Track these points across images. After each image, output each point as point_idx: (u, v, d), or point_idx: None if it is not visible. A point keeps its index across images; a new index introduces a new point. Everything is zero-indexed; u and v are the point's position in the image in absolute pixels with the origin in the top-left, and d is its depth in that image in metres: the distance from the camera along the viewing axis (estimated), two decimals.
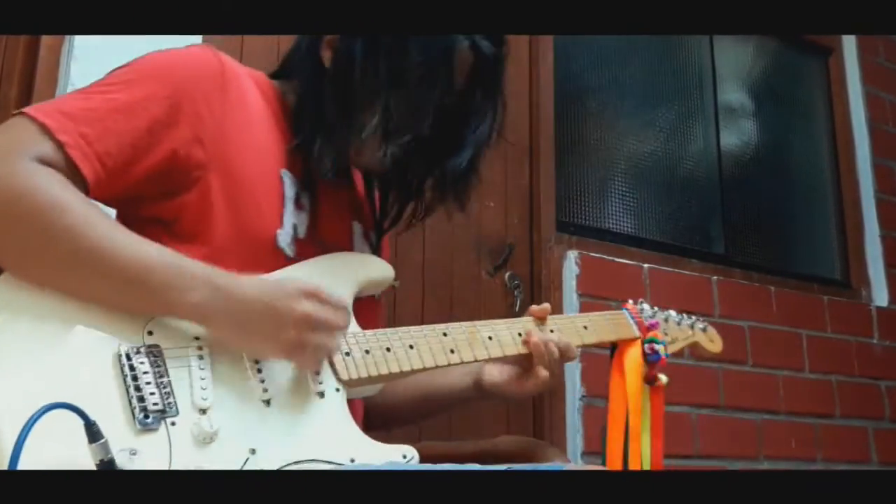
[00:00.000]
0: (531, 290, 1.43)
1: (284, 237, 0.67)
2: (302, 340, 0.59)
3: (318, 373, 0.64)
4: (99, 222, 0.56)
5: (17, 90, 1.01)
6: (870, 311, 1.90)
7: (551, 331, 0.79)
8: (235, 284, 0.59)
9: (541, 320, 0.78)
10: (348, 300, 0.68)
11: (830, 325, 1.80)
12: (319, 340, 0.60)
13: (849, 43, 2.10)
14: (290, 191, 0.69)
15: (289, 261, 0.68)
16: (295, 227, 0.69)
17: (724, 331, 1.66)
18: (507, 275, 1.40)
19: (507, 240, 1.42)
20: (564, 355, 0.77)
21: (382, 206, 0.81)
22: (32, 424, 0.45)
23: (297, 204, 0.69)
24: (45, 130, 0.57)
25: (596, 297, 1.47)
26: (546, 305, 0.80)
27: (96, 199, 0.62)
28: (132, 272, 0.56)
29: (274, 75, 0.76)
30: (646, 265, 1.57)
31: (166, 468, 0.53)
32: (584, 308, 1.45)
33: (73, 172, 0.58)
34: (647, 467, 0.80)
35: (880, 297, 1.94)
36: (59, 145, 0.57)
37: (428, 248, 1.33)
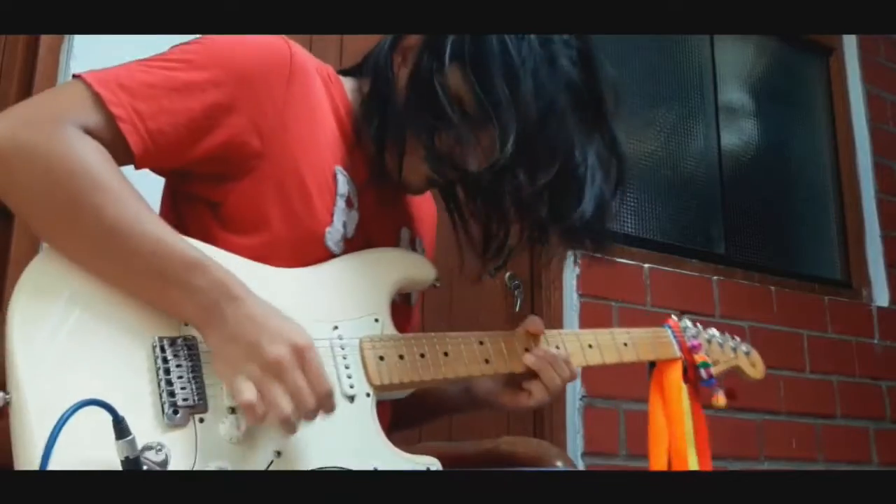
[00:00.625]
0: (531, 290, 1.43)
1: (333, 235, 0.66)
2: (262, 385, 0.53)
3: (350, 376, 0.62)
4: (129, 205, 0.54)
5: (16, 88, 1.01)
6: (870, 311, 1.90)
7: (556, 347, 0.74)
8: (242, 301, 0.56)
9: (535, 337, 0.73)
10: (335, 387, 0.60)
11: (831, 325, 1.80)
12: (277, 398, 0.53)
13: (849, 42, 2.10)
14: (343, 188, 0.67)
15: (333, 257, 0.66)
16: (345, 225, 0.67)
17: (725, 330, 1.66)
18: (507, 275, 1.40)
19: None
20: (570, 377, 0.72)
21: (487, 235, 0.75)
22: (64, 422, 0.44)
23: (349, 203, 0.67)
24: (99, 100, 0.56)
25: (596, 297, 1.47)
26: (537, 321, 0.74)
27: (150, 168, 0.61)
28: (152, 259, 0.54)
29: (345, 71, 0.74)
30: (646, 265, 1.57)
31: (191, 466, 0.52)
32: (584, 309, 1.45)
33: (121, 145, 0.57)
34: None
35: (881, 297, 1.94)
36: (111, 117, 0.56)
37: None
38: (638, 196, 1.71)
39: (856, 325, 1.85)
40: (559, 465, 0.85)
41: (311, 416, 0.55)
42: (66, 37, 1.04)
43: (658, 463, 0.78)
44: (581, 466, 1.35)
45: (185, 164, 0.62)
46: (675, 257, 1.65)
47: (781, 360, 1.69)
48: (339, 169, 0.67)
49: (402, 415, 0.75)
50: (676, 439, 0.78)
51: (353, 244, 0.68)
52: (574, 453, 1.35)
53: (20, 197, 0.55)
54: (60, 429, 0.44)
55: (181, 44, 0.63)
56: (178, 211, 0.66)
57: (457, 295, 1.35)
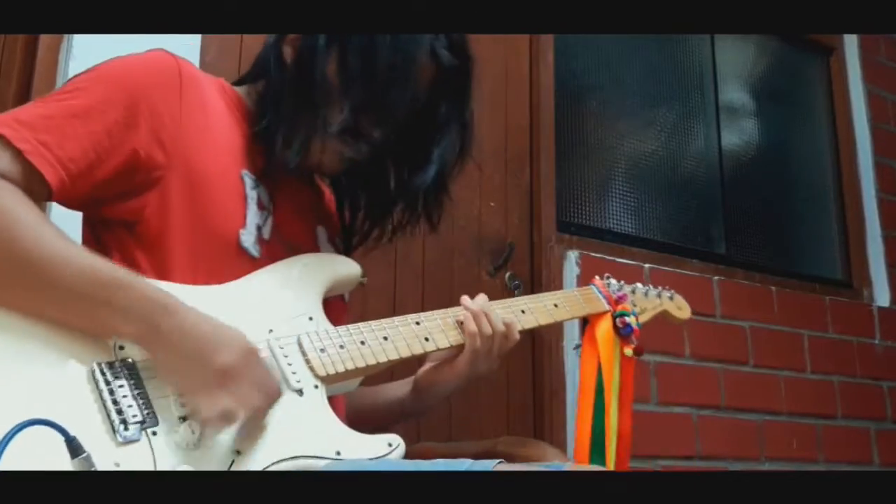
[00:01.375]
0: (532, 290, 1.43)
1: (248, 237, 0.67)
2: (214, 396, 0.56)
3: (294, 371, 0.63)
4: (43, 235, 0.55)
5: (15, 88, 1.01)
6: (871, 312, 1.89)
7: (461, 322, 0.76)
8: (177, 316, 0.57)
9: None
10: (283, 387, 0.62)
11: (832, 325, 1.80)
12: (230, 406, 0.56)
13: (850, 42, 2.10)
14: (251, 191, 0.69)
15: (254, 261, 0.68)
16: (259, 228, 0.68)
17: (726, 331, 1.66)
18: (507, 275, 1.40)
19: (507, 240, 1.42)
20: (507, 333, 0.73)
21: (352, 222, 0.80)
22: (6, 444, 0.44)
23: (259, 204, 0.69)
24: (3, 140, 0.57)
25: None
26: (481, 295, 0.76)
27: (60, 203, 0.62)
28: (78, 287, 0.55)
29: (237, 82, 0.76)
30: (647, 265, 1.56)
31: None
32: None
33: (35, 180, 0.58)
34: (614, 440, 0.81)
35: (882, 297, 1.94)
36: (18, 153, 0.57)
37: (428, 249, 1.33)
38: (638, 196, 1.71)
39: (857, 326, 1.84)
40: (559, 465, 0.85)
41: (261, 414, 0.58)
42: (66, 36, 1.03)
43: (583, 413, 0.82)
44: (581, 466, 1.34)
45: (97, 188, 0.63)
46: (676, 257, 1.65)
47: (782, 361, 1.69)
48: (244, 173, 0.69)
49: (363, 420, 0.75)
50: (606, 386, 0.81)
51: (270, 245, 0.69)
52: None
53: None
54: (2, 450, 0.43)
55: (73, 76, 0.65)
56: (99, 239, 0.67)
57: (457, 295, 1.34)
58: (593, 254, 1.49)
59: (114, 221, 0.65)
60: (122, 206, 0.64)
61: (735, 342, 1.64)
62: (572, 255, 1.46)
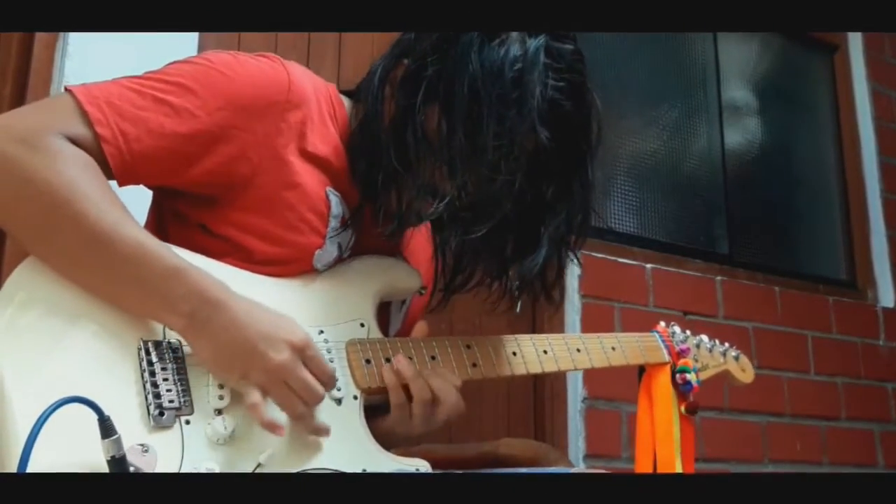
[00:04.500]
0: (532, 290, 1.42)
1: (324, 257, 0.66)
2: (269, 388, 0.56)
3: (336, 378, 0.62)
4: (108, 214, 0.54)
5: (10, 88, 1.01)
6: (876, 312, 1.88)
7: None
8: (232, 306, 0.56)
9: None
10: (337, 368, 0.61)
11: (836, 326, 1.79)
12: (287, 397, 0.56)
13: (854, 40, 2.09)
14: (336, 209, 0.66)
15: None
16: (339, 247, 0.67)
17: (729, 332, 1.65)
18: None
19: None
20: (435, 401, 0.64)
21: (454, 272, 0.74)
22: (46, 419, 0.44)
23: (342, 222, 0.67)
24: (87, 118, 0.56)
25: (598, 297, 1.46)
26: (422, 325, 0.72)
27: (125, 186, 0.60)
28: (129, 268, 0.54)
29: (347, 92, 0.72)
30: (649, 265, 1.55)
31: (177, 467, 0.53)
32: (585, 309, 1.44)
33: (103, 162, 0.57)
34: None
35: (886, 298, 1.93)
36: (96, 137, 0.56)
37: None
38: (640, 195, 1.70)
39: (861, 326, 1.83)
40: (560, 467, 0.84)
41: (319, 402, 0.57)
42: (61, 35, 1.03)
43: (643, 468, 0.78)
44: (583, 469, 1.33)
45: (168, 186, 0.62)
46: (678, 257, 1.64)
47: (785, 362, 1.68)
48: (330, 190, 0.67)
49: None
50: (663, 444, 0.78)
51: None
52: (576, 456, 1.34)
53: (1, 206, 0.55)
54: (41, 426, 0.44)
55: (177, 62, 0.63)
56: (164, 227, 0.66)
57: (458, 297, 1.34)
58: (595, 254, 1.48)
59: (185, 216, 0.64)
60: (197, 208, 0.63)
61: (738, 343, 1.61)
62: (573, 256, 1.45)
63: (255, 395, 0.55)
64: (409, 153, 0.62)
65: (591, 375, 1.39)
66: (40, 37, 1.02)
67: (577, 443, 1.35)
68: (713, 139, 1.83)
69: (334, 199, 0.67)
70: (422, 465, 0.62)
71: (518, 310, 0.71)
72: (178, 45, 0.95)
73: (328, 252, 0.66)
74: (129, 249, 0.55)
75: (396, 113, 0.64)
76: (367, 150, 0.66)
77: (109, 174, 0.58)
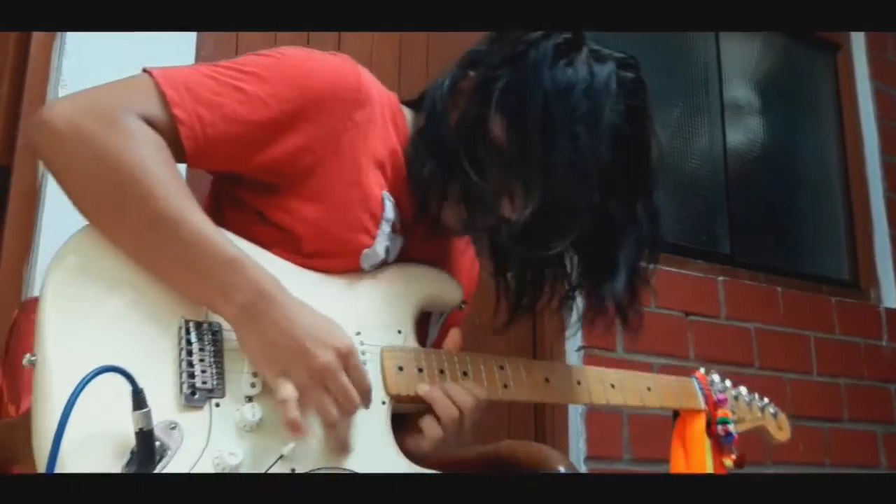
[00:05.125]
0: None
1: (371, 258, 0.66)
2: (307, 388, 0.56)
3: (372, 393, 0.61)
4: (174, 197, 0.56)
5: (7, 86, 1.01)
6: (879, 313, 1.87)
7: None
8: (283, 302, 0.57)
9: (453, 346, 0.70)
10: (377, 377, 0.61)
11: (839, 326, 1.78)
12: (323, 400, 0.56)
13: (857, 39, 2.08)
14: (389, 214, 0.67)
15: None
16: (387, 250, 0.67)
17: (731, 332, 1.64)
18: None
19: None
20: (471, 407, 0.64)
21: (519, 292, 0.73)
22: (84, 385, 0.45)
23: (394, 228, 0.68)
24: (164, 99, 0.58)
25: None
26: (454, 333, 0.70)
27: (193, 167, 0.62)
28: (190, 253, 0.56)
29: (406, 102, 0.73)
30: (650, 265, 1.55)
31: (202, 448, 0.53)
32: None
33: (175, 143, 0.58)
34: None
35: (889, 298, 1.92)
36: (172, 118, 0.58)
37: None
38: None
39: (864, 327, 1.82)
40: (561, 469, 0.84)
41: (351, 414, 0.58)
42: (59, 34, 1.03)
43: None
44: (584, 471, 1.33)
45: (234, 172, 0.63)
46: (680, 257, 1.64)
47: (788, 363, 1.67)
48: (386, 194, 0.67)
49: None
50: None
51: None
52: (577, 458, 1.33)
53: (71, 178, 0.56)
54: (80, 391, 0.45)
55: (253, 54, 0.64)
56: (221, 211, 0.67)
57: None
58: None
59: (243, 202, 0.65)
60: (256, 195, 0.64)
61: (740, 344, 1.63)
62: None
63: (288, 390, 0.56)
64: (479, 161, 0.62)
65: None
66: (37, 36, 1.02)
67: (577, 444, 1.35)
68: (715, 138, 1.82)
69: (389, 204, 0.67)
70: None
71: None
72: (176, 45, 0.95)
73: (375, 254, 0.66)
74: (192, 233, 0.56)
75: (464, 121, 0.64)
76: (430, 154, 0.65)
77: (181, 156, 0.59)
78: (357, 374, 0.58)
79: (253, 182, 0.64)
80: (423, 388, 0.64)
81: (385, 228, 0.67)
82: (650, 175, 0.68)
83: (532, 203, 0.60)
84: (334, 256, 0.65)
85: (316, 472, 0.57)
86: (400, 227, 0.68)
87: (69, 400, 0.45)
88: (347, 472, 0.58)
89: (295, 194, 0.63)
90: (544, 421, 1.35)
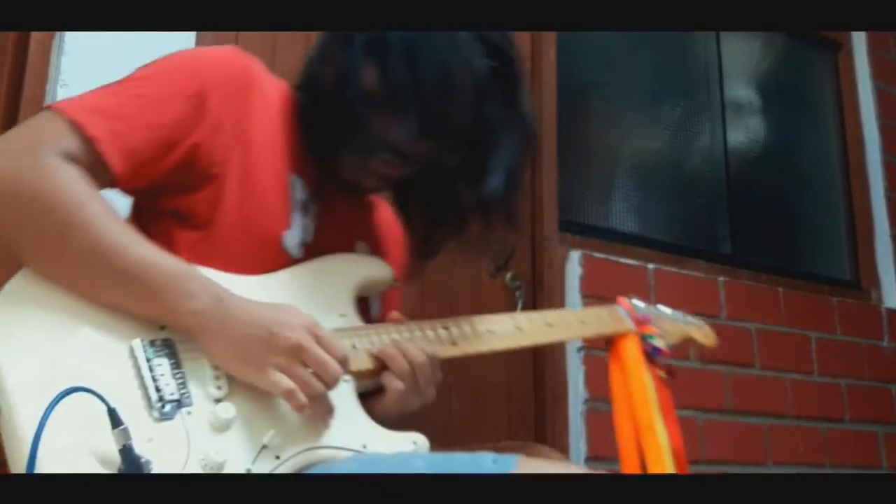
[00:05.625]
0: (533, 291, 1.42)
1: (291, 238, 0.68)
2: (289, 369, 0.58)
3: (348, 358, 0.64)
4: (113, 222, 0.58)
5: (6, 86, 1.00)
6: (880, 313, 1.87)
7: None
8: (237, 300, 0.59)
9: (398, 322, 0.73)
10: (348, 348, 0.65)
11: (840, 326, 1.78)
12: (305, 376, 0.58)
13: (859, 39, 2.08)
14: (298, 195, 0.69)
15: (294, 263, 0.69)
16: (304, 230, 0.69)
17: (732, 333, 1.64)
18: (508, 276, 1.39)
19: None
20: (419, 369, 0.67)
21: (427, 235, 0.78)
22: (53, 407, 0.46)
23: (304, 209, 0.70)
24: (75, 126, 0.59)
25: (599, 298, 1.45)
26: (395, 313, 0.74)
27: (122, 190, 0.64)
28: (139, 272, 0.57)
29: (296, 88, 0.76)
30: (651, 265, 1.55)
31: (185, 455, 0.54)
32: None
33: (101, 167, 0.59)
34: (668, 456, 0.77)
35: (891, 299, 1.92)
36: (90, 141, 0.59)
37: None
38: (642, 195, 1.69)
39: (865, 327, 1.82)
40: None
41: (336, 383, 0.59)
42: (58, 33, 1.03)
43: (624, 435, 0.79)
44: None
45: (157, 179, 0.64)
46: (680, 257, 1.63)
47: (789, 363, 1.67)
48: (293, 176, 0.70)
49: None
50: (641, 409, 0.79)
51: (312, 250, 0.70)
52: (577, 458, 1.33)
53: (6, 223, 0.57)
54: (48, 415, 0.45)
55: (143, 65, 0.66)
56: (145, 227, 0.68)
57: (458, 297, 1.33)
58: (596, 254, 1.48)
59: (165, 212, 0.66)
60: (179, 198, 0.65)
61: (741, 344, 1.62)
62: (575, 256, 1.44)
63: (286, 381, 0.57)
64: (356, 110, 0.66)
65: (592, 377, 1.39)
66: (36, 36, 1.02)
67: (578, 445, 1.34)
68: (716, 138, 1.82)
69: (297, 185, 0.69)
70: (418, 438, 0.64)
71: (496, 273, 0.74)
72: (175, 45, 0.94)
73: (294, 234, 0.68)
74: (140, 253, 0.57)
75: (340, 76, 0.67)
76: (319, 117, 0.69)
77: (108, 180, 0.61)
78: (328, 344, 0.59)
79: (171, 186, 0.65)
80: (376, 349, 0.67)
81: (298, 210, 0.69)
82: (518, 84, 0.71)
83: (412, 128, 0.64)
84: (258, 246, 0.66)
85: (302, 451, 0.58)
86: (312, 208, 0.70)
87: (40, 422, 0.45)
88: (330, 448, 0.59)
89: (213, 188, 0.65)
90: (544, 421, 1.35)
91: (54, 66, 1.00)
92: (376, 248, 0.80)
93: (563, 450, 1.29)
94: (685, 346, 1.55)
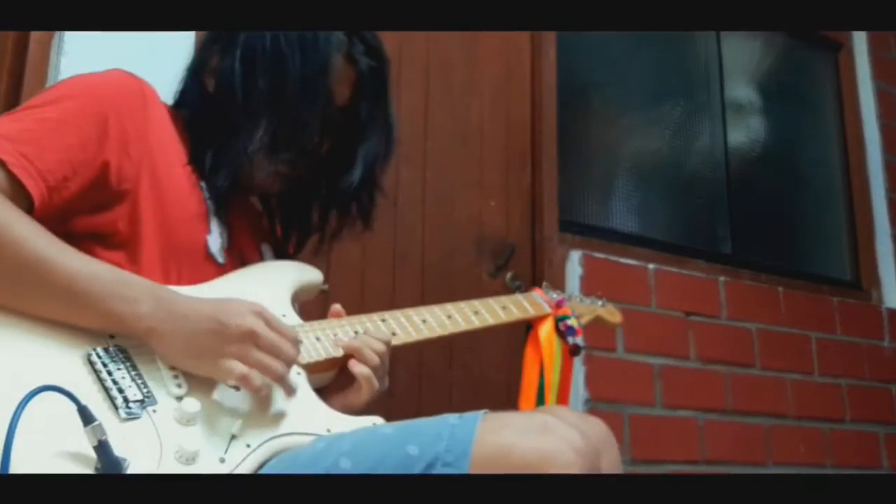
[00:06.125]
0: None
1: (214, 243, 0.70)
2: (245, 356, 0.58)
3: (300, 340, 0.66)
4: (42, 237, 0.57)
5: (6, 86, 1.00)
6: (881, 313, 1.87)
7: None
8: (180, 298, 0.60)
9: (337, 316, 0.76)
10: (297, 324, 0.68)
11: (840, 326, 1.77)
12: (263, 359, 0.59)
13: (859, 38, 2.07)
14: (211, 203, 0.71)
15: (220, 268, 0.70)
16: (221, 236, 0.71)
17: (732, 333, 1.64)
18: (508, 275, 1.38)
19: (508, 240, 1.41)
20: (383, 359, 0.71)
21: (284, 232, 0.83)
22: (24, 406, 0.45)
23: (217, 215, 0.72)
24: None
25: (599, 298, 1.45)
26: (337, 306, 0.77)
27: (37, 217, 0.63)
28: (77, 283, 0.57)
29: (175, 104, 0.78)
30: (651, 265, 1.54)
31: (158, 449, 0.54)
32: None
33: (16, 191, 0.59)
34: (553, 401, 0.91)
35: (891, 299, 1.91)
36: (1, 164, 0.58)
37: (428, 249, 1.32)
38: (642, 195, 1.69)
39: (865, 327, 1.82)
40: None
41: (293, 362, 0.61)
42: (57, 33, 1.03)
43: (526, 400, 0.91)
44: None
45: (71, 200, 0.64)
46: (681, 257, 1.63)
47: (789, 363, 1.66)
48: (202, 184, 0.72)
49: None
50: (548, 373, 0.91)
51: (231, 254, 0.74)
52: None
53: None
54: (19, 415, 0.45)
55: (42, 92, 0.68)
56: None
57: (457, 296, 1.33)
58: (596, 254, 1.48)
59: (82, 234, 0.66)
60: (94, 218, 0.66)
61: (741, 344, 1.62)
62: (575, 256, 1.44)
63: (239, 366, 0.58)
64: (231, 117, 0.70)
65: (593, 378, 1.39)
66: (35, 35, 1.02)
67: None
68: (716, 138, 1.82)
69: (206, 193, 0.71)
70: (378, 420, 0.66)
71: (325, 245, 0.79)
72: (174, 44, 0.95)
73: (215, 239, 0.70)
74: (74, 264, 0.57)
75: (217, 88, 0.72)
76: (197, 135, 0.72)
77: (27, 206, 0.60)
78: (278, 326, 0.60)
79: (84, 207, 0.65)
80: (343, 342, 0.71)
81: (213, 216, 0.71)
82: (386, 88, 0.75)
83: (270, 126, 0.69)
84: (184, 254, 0.67)
85: (271, 439, 0.59)
86: (222, 213, 0.72)
87: (11, 422, 0.44)
88: (297, 434, 0.60)
89: (127, 204, 0.65)
90: None
91: (54, 67, 1.00)
92: (277, 250, 0.82)
93: None
94: (685, 346, 1.55)
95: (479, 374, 1.31)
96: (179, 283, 0.66)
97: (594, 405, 1.38)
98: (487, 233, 1.39)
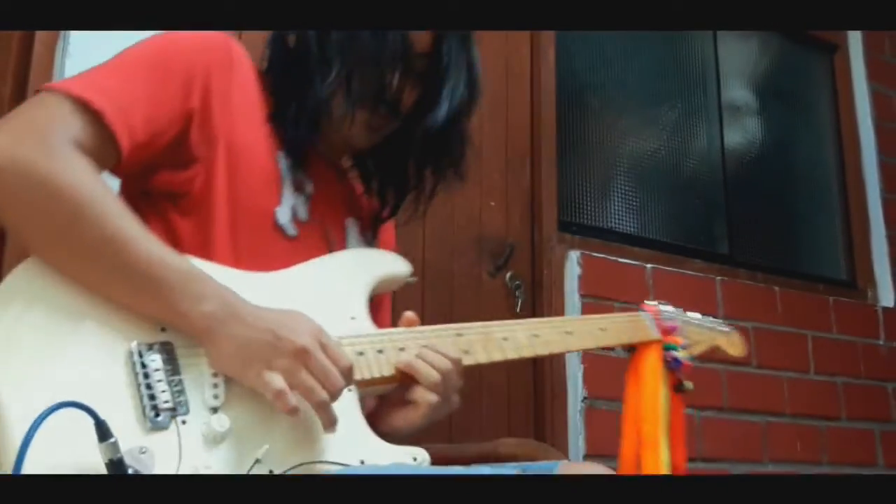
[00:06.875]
0: (532, 291, 1.42)
1: (283, 215, 0.68)
2: (291, 374, 0.56)
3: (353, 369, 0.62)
4: (126, 217, 0.57)
5: (10, 87, 1.00)
6: (876, 312, 1.88)
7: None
8: (246, 305, 0.59)
9: (409, 324, 0.71)
10: (352, 357, 0.62)
11: (836, 325, 1.79)
12: (308, 381, 0.56)
13: (854, 39, 2.08)
14: (287, 172, 0.70)
15: (290, 241, 0.68)
16: (294, 209, 0.69)
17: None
18: (507, 275, 1.39)
19: (507, 240, 1.41)
20: (450, 370, 0.66)
21: (381, 194, 0.81)
22: (40, 422, 0.45)
23: (296, 185, 0.70)
24: (81, 104, 0.58)
25: (598, 297, 1.46)
26: (410, 314, 0.71)
27: (121, 172, 0.64)
28: (151, 269, 0.56)
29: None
30: (649, 265, 1.55)
31: (175, 468, 0.53)
32: (586, 309, 1.44)
33: (107, 146, 0.59)
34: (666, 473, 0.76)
35: (886, 298, 1.93)
36: (97, 114, 0.58)
37: (428, 249, 1.32)
38: (640, 195, 1.70)
39: (861, 326, 1.83)
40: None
41: (339, 393, 0.58)
42: (62, 34, 1.03)
43: (627, 445, 0.78)
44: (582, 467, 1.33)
45: (153, 157, 0.64)
46: (678, 257, 1.64)
47: (786, 362, 1.67)
48: (280, 154, 0.70)
49: None
50: (647, 422, 0.77)
51: (307, 227, 0.70)
52: (576, 456, 1.33)
53: (16, 210, 0.56)
54: (36, 430, 0.44)
55: (130, 46, 0.66)
56: (139, 210, 0.67)
57: (457, 296, 1.34)
58: (595, 254, 1.48)
59: (158, 193, 0.66)
60: (172, 177, 0.66)
61: None
62: (574, 256, 1.45)
63: (279, 381, 0.56)
64: (313, 68, 0.69)
65: (591, 375, 1.39)
66: (41, 36, 1.02)
67: (577, 443, 1.35)
68: (713, 139, 1.82)
69: (284, 164, 0.70)
70: (419, 454, 0.62)
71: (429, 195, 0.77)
72: None
73: (285, 211, 0.69)
74: (152, 250, 0.56)
75: (298, 44, 0.71)
76: (282, 91, 0.71)
77: (113, 157, 0.60)
78: (333, 353, 0.58)
79: (164, 164, 0.65)
80: (402, 359, 0.65)
81: (287, 186, 0.69)
82: (468, 35, 0.74)
83: (344, 68, 0.68)
84: (251, 223, 0.66)
85: (296, 466, 0.56)
86: (307, 185, 0.71)
87: (24, 439, 0.44)
88: (325, 463, 0.58)
89: (202, 166, 0.65)
90: (543, 419, 1.35)
91: (58, 67, 1.00)
92: (364, 225, 0.80)
93: (561, 447, 1.29)
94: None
95: (478, 372, 1.32)
96: (248, 254, 0.64)
97: (592, 403, 1.39)
98: (487, 233, 1.39)
